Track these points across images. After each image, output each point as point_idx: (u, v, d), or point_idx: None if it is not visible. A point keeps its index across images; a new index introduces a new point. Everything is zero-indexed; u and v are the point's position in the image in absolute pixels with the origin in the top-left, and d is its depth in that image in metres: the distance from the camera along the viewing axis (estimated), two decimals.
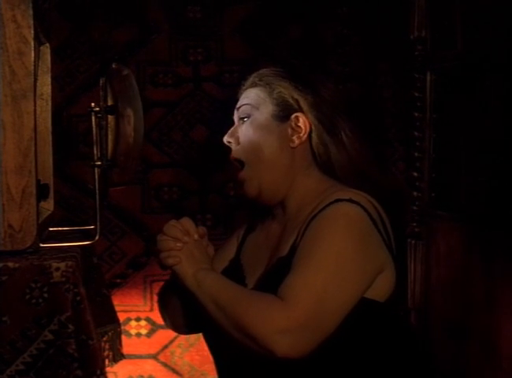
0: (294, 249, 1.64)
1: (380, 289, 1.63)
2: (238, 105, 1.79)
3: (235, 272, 1.73)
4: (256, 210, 1.82)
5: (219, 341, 1.68)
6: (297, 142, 1.73)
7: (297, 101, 1.74)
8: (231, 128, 1.79)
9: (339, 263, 1.56)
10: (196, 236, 1.69)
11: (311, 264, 1.56)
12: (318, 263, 1.56)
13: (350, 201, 1.61)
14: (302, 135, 1.73)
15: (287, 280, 1.56)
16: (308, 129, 1.73)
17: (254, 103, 1.76)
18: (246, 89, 1.80)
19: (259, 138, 1.73)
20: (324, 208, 1.62)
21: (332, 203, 1.62)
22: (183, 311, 1.79)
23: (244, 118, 1.76)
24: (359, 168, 1.72)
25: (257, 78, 1.79)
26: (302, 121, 1.73)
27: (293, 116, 1.73)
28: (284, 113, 1.74)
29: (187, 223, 1.70)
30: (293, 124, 1.73)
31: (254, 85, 1.78)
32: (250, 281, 1.72)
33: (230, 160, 1.77)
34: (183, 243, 1.67)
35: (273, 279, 1.60)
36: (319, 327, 1.54)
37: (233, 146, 1.76)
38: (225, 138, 1.78)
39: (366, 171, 1.73)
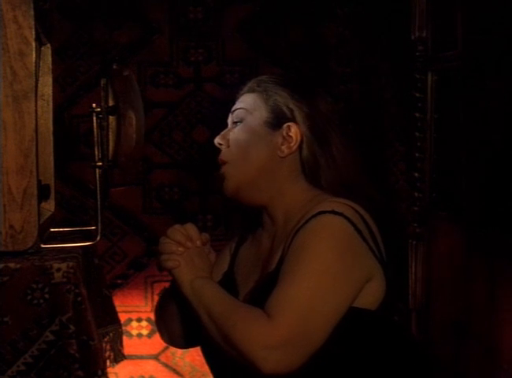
0: (280, 263, 1.63)
1: (369, 297, 1.61)
2: (233, 109, 1.79)
3: (228, 286, 1.71)
4: (246, 220, 1.82)
5: (215, 353, 1.67)
6: (286, 151, 1.72)
7: (291, 110, 1.73)
8: (224, 131, 1.78)
9: (323, 276, 1.55)
10: (199, 243, 1.69)
11: (295, 279, 1.55)
12: (302, 278, 1.55)
13: (333, 212, 1.60)
14: (292, 144, 1.72)
15: (272, 296, 1.55)
16: (299, 140, 1.72)
17: (248, 108, 1.75)
18: (243, 94, 1.79)
19: (248, 142, 1.72)
20: (307, 221, 1.61)
21: (314, 216, 1.61)
22: (181, 322, 1.78)
23: (237, 122, 1.76)
24: (347, 184, 1.71)
25: (256, 84, 1.78)
26: (294, 131, 1.72)
27: (285, 125, 1.72)
28: (277, 121, 1.73)
29: (191, 229, 1.70)
30: (284, 133, 1.72)
31: (251, 90, 1.78)
32: (242, 295, 1.72)
33: (217, 162, 1.77)
34: (184, 248, 1.67)
35: (262, 295, 1.60)
36: (306, 342, 1.53)
37: (223, 148, 1.76)
38: (216, 140, 1.77)
39: (354, 187, 1.72)
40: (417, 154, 2.66)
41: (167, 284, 1.84)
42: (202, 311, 1.61)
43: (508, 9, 2.23)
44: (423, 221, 2.65)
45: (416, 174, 2.66)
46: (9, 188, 1.64)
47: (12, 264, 1.58)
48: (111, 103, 1.75)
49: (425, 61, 2.62)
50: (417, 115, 2.65)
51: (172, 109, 2.93)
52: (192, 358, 2.88)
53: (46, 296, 1.58)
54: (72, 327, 1.57)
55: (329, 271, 1.56)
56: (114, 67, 1.79)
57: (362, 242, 1.61)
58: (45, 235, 1.80)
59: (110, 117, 1.74)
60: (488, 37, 2.35)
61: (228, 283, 1.75)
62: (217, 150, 1.78)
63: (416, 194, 2.66)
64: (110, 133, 1.74)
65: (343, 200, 1.64)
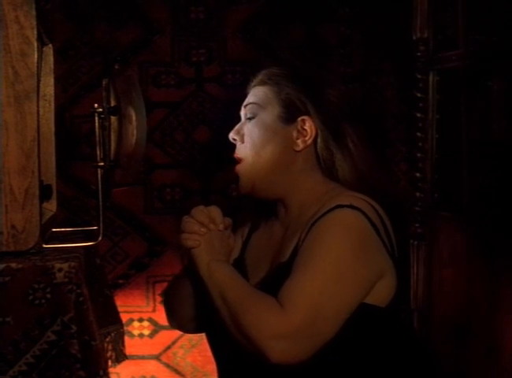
0: (294, 254, 1.63)
1: (381, 294, 1.62)
2: (245, 103, 1.78)
3: (239, 273, 1.72)
4: (259, 208, 1.82)
5: (221, 341, 1.68)
6: (301, 145, 1.72)
7: (304, 104, 1.72)
8: (238, 125, 1.78)
9: (337, 270, 1.56)
10: (221, 226, 1.69)
11: (309, 271, 1.56)
12: (316, 269, 1.56)
13: (351, 207, 1.60)
14: (307, 138, 1.72)
15: (285, 285, 1.56)
16: (314, 133, 1.72)
17: (261, 103, 1.75)
18: (254, 86, 1.78)
19: (263, 139, 1.72)
20: (324, 214, 1.61)
21: (332, 209, 1.61)
22: (193, 304, 1.77)
23: (251, 118, 1.76)
24: (363, 177, 1.71)
25: (267, 76, 1.77)
26: (309, 125, 1.71)
27: (299, 119, 1.72)
28: (291, 115, 1.72)
29: (215, 211, 1.70)
30: (299, 127, 1.72)
31: (262, 83, 1.77)
32: (252, 283, 1.72)
33: (233, 158, 1.77)
34: (206, 229, 1.67)
35: (274, 285, 1.60)
36: (315, 334, 1.53)
37: (238, 144, 1.76)
38: (231, 135, 1.77)
39: (370, 180, 1.71)
40: (418, 154, 2.66)
41: None
42: (216, 294, 1.61)
43: (509, 9, 2.23)
44: (424, 221, 2.65)
45: (417, 174, 2.66)
46: (11, 188, 1.64)
47: (13, 265, 1.58)
48: (113, 103, 1.75)
49: (427, 61, 2.62)
50: (419, 115, 2.64)
51: (174, 110, 2.93)
52: (194, 359, 2.88)
53: (48, 296, 1.58)
54: (73, 327, 1.57)
55: (344, 265, 1.57)
56: (116, 67, 1.80)
57: (377, 238, 1.62)
58: (47, 235, 1.80)
59: (112, 117, 1.74)
60: (490, 37, 2.35)
61: (238, 269, 1.75)
62: (232, 146, 1.77)
63: (417, 194, 2.66)
64: (112, 133, 1.75)
65: (359, 194, 1.65)
